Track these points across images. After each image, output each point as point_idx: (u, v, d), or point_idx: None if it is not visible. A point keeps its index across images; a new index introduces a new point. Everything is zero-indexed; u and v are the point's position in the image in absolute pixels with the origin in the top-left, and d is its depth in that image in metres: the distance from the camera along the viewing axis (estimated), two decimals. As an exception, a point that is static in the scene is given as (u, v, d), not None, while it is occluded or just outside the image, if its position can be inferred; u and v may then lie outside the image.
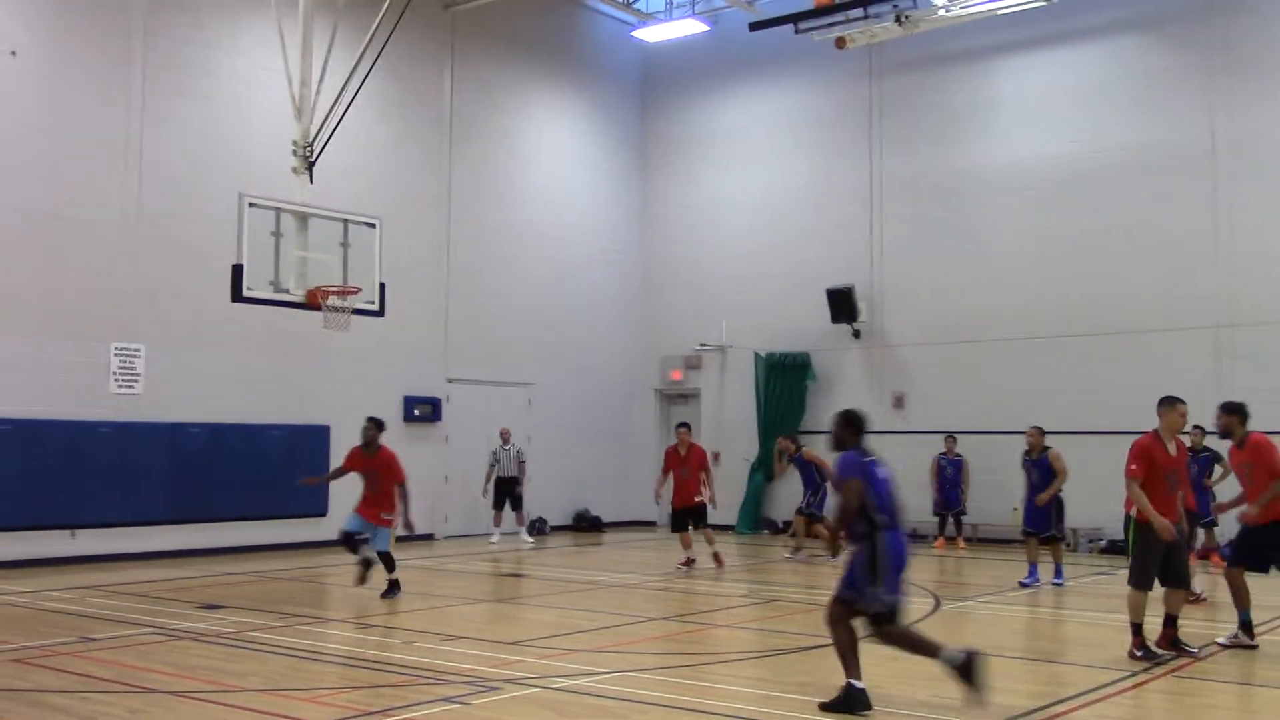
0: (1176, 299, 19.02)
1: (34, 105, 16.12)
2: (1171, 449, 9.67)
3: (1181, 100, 19.28)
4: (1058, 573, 15.02)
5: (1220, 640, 10.20)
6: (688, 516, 16.59)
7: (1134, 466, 9.53)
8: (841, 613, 7.87)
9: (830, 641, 7.87)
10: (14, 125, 15.90)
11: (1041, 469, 15.07)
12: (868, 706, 7.61)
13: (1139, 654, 9.46)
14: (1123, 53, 20.08)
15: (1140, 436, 9.72)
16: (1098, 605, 13.31)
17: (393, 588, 13.15)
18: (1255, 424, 18.39)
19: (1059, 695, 8.12)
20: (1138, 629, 9.56)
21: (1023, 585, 14.64)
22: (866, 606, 7.78)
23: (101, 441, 16.44)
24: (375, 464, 13.54)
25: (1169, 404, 9.70)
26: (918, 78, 21.96)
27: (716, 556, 16.45)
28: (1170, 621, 9.74)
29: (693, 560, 16.38)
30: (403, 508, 13.42)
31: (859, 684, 7.72)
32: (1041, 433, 15.40)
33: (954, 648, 7.62)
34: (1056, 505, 15.12)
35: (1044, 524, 15.02)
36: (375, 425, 13.77)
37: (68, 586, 13.81)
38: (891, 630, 7.90)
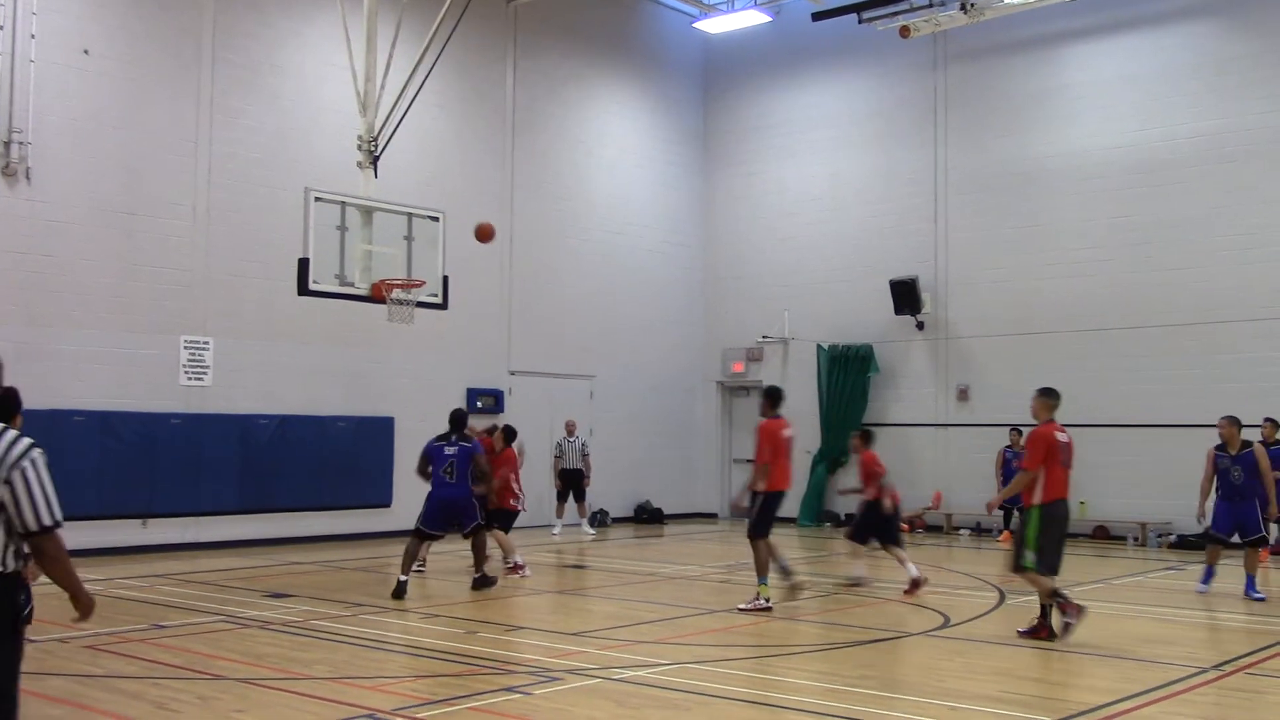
0: (1250, 290, 18.62)
1: (106, 103, 16.43)
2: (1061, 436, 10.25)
3: (1255, 87, 18.85)
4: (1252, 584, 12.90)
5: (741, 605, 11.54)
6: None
7: (1032, 455, 10.12)
8: (417, 532, 12.98)
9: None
10: (87, 122, 16.21)
11: (1246, 466, 13.05)
12: (403, 596, 12.20)
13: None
14: (1194, 38, 19.67)
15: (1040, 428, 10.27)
16: (1166, 601, 13.10)
17: None
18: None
19: (1127, 691, 8.00)
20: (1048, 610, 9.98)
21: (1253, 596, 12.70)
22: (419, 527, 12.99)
23: (172, 433, 16.73)
24: None
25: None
26: (983, 66, 21.69)
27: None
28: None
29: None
30: None
31: (404, 578, 12.46)
32: (1239, 425, 13.34)
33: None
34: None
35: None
36: None
37: (140, 575, 14.08)
38: (413, 544, 12.85)
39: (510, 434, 15.00)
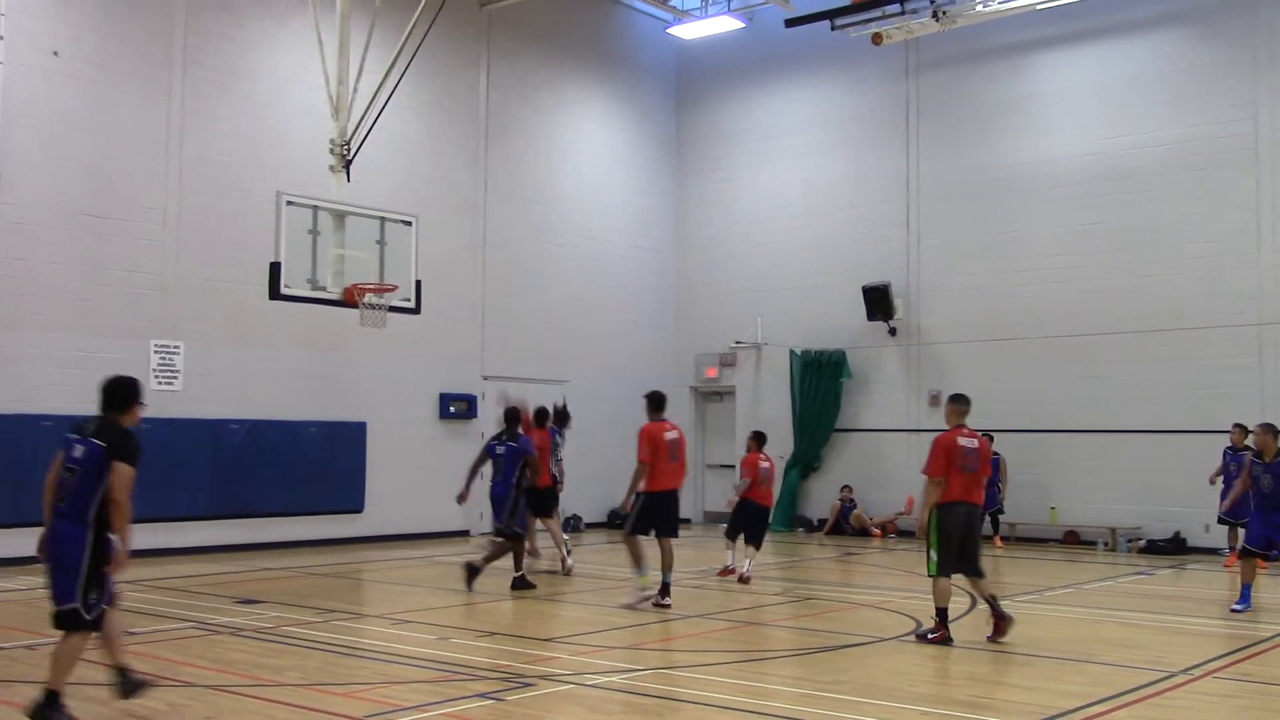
0: (1219, 296, 18.79)
1: (76, 105, 16.28)
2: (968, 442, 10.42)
3: (1224, 95, 19.03)
4: None
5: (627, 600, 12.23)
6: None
7: (932, 463, 10.26)
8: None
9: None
10: (56, 124, 16.07)
11: (1278, 475, 12.49)
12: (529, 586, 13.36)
13: (934, 636, 10.14)
14: (1164, 47, 19.85)
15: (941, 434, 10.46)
16: (1135, 605, 13.19)
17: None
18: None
19: (1097, 696, 8.05)
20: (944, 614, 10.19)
21: (1235, 611, 12.34)
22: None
23: (142, 437, 16.42)
24: None
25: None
26: (955, 74, 21.81)
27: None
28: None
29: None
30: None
31: (521, 573, 13.44)
32: (1275, 433, 12.73)
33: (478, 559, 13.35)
34: None
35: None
36: None
37: (108, 581, 13.93)
38: (509, 543, 13.57)
39: (541, 415, 15.74)
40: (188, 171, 17.33)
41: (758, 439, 15.17)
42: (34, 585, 7.31)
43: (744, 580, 14.25)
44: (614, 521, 23.10)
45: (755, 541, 14.65)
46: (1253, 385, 18.32)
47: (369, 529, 19.05)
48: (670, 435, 12.55)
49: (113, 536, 6.98)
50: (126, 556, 7.02)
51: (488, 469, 13.92)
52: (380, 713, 7.39)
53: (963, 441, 10.39)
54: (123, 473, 6.86)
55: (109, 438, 6.94)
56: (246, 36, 18.18)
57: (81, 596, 6.80)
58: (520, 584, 13.41)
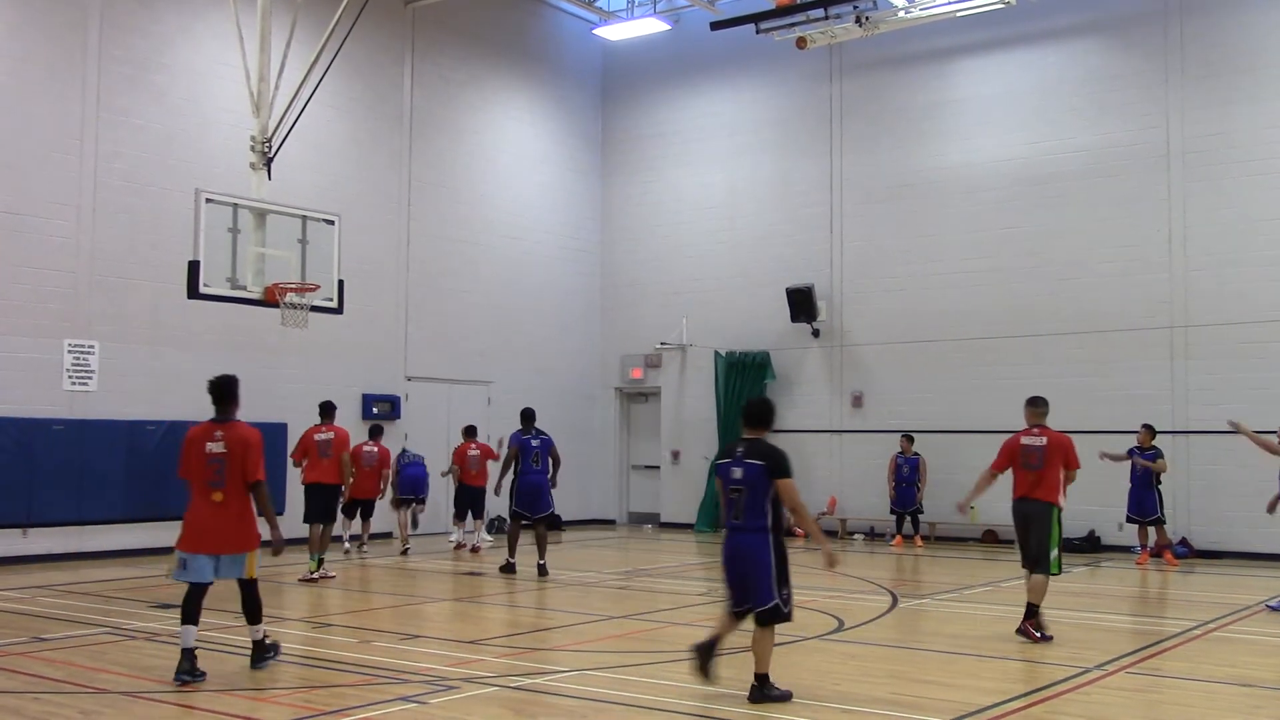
0: (1132, 300, 19.22)
1: (-14, 98, 15.89)
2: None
3: (1138, 103, 19.47)
4: None
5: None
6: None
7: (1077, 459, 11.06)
8: (515, 516, 15.16)
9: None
10: (-34, 118, 15.66)
11: None
12: (512, 572, 14.98)
13: (1039, 635, 10.38)
14: (1081, 56, 20.26)
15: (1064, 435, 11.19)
16: (1051, 602, 13.40)
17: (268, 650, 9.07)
18: (1208, 423, 18.79)
19: (1015, 691, 8.19)
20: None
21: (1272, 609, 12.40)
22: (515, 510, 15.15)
23: (55, 439, 16.23)
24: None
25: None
26: (878, 78, 22.06)
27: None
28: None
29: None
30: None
31: (513, 560, 15.11)
32: None
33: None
34: None
35: None
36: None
37: (20, 586, 13.63)
38: (513, 529, 15.22)
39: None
40: (103, 168, 16.98)
41: (468, 432, 18.64)
42: None
43: (475, 550, 17.73)
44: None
45: (479, 515, 18.28)
46: (1164, 387, 18.77)
47: (289, 531, 18.65)
48: (321, 436, 14.78)
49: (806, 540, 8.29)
50: (832, 555, 8.46)
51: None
52: (301, 718, 7.31)
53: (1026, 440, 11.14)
54: (787, 487, 7.91)
55: (764, 457, 7.99)
56: (164, 30, 17.85)
57: (778, 593, 7.77)
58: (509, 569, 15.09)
